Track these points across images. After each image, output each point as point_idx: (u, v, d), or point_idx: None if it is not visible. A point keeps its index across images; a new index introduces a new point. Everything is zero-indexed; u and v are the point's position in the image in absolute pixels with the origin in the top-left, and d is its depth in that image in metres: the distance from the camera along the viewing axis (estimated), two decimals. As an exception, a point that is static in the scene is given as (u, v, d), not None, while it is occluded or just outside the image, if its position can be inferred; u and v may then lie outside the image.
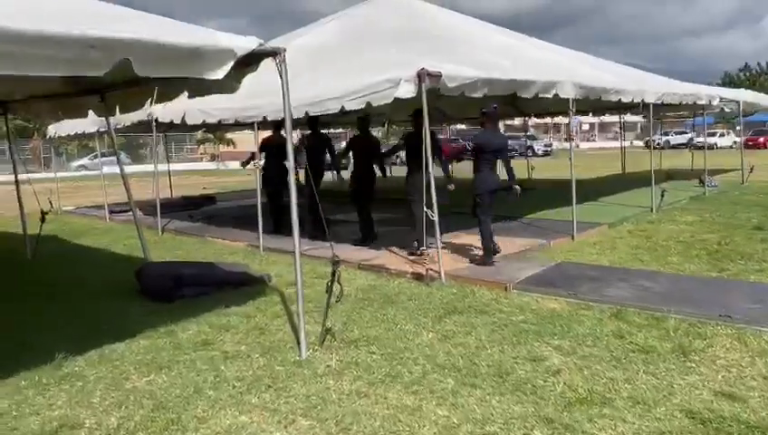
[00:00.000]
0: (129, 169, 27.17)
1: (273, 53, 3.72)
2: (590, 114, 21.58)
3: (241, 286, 5.78)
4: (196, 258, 7.44)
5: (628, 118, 47.98)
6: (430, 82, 5.53)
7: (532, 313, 4.72)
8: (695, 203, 11.04)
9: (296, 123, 9.13)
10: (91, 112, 6.08)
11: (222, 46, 3.42)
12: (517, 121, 43.81)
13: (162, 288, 5.46)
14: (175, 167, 34.22)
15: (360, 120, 7.76)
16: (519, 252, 6.83)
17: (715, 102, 12.61)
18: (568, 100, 7.39)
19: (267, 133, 8.95)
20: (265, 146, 8.87)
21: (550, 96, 7.08)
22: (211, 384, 3.56)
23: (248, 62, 3.68)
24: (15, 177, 7.64)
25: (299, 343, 4.01)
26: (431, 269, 5.72)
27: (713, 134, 39.14)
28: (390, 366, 3.73)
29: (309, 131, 8.70)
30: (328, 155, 8.47)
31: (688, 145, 40.28)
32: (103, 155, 35.83)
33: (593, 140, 53.83)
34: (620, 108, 13.74)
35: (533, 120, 45.14)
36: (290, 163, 3.89)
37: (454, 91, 5.78)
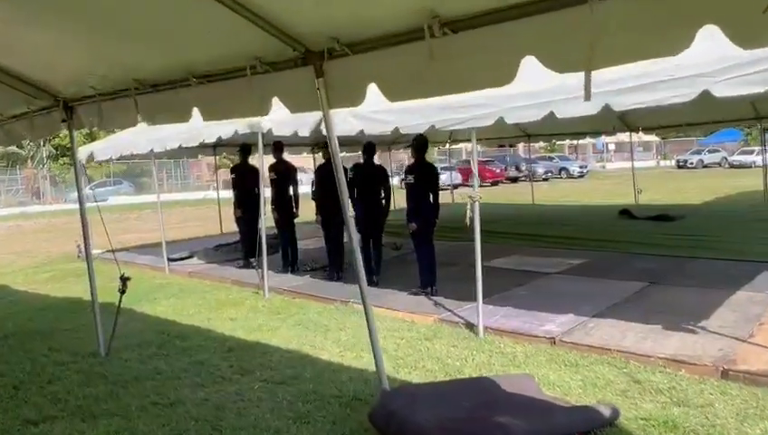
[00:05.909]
0: (137, 199, 24.17)
1: None
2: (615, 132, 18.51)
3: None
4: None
5: (644, 137, 46.08)
6: None
7: None
8: None
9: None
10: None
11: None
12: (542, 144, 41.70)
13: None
14: (191, 196, 30.96)
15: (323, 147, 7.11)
16: None
17: None
18: None
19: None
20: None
21: None
22: None
23: None
24: (81, 206, 4.65)
25: None
26: None
27: (749, 152, 36.32)
28: None
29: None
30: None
31: (722, 164, 37.90)
32: (104, 184, 32.88)
33: (611, 161, 52.04)
34: None
35: (567, 142, 42.83)
36: None
37: None
